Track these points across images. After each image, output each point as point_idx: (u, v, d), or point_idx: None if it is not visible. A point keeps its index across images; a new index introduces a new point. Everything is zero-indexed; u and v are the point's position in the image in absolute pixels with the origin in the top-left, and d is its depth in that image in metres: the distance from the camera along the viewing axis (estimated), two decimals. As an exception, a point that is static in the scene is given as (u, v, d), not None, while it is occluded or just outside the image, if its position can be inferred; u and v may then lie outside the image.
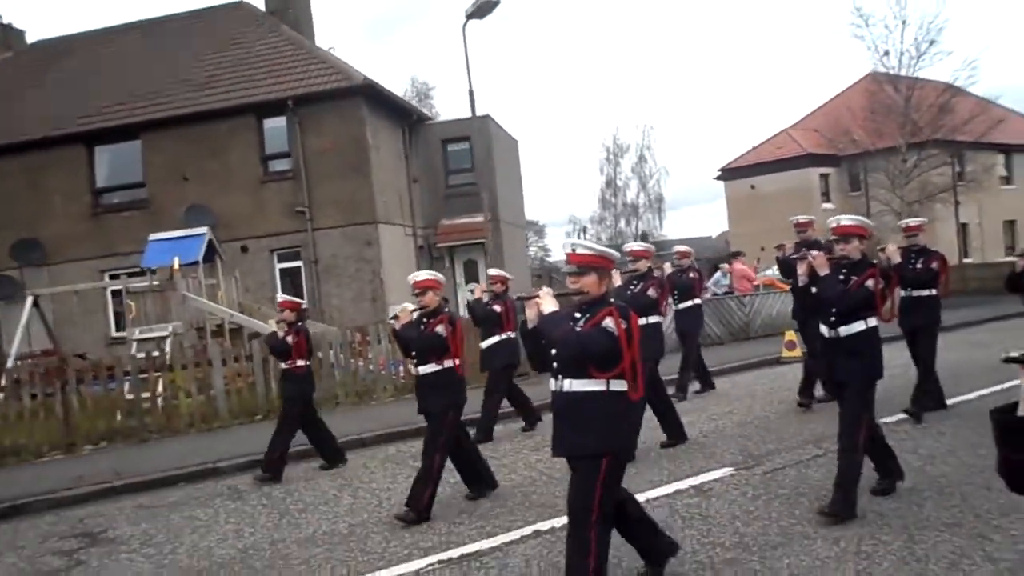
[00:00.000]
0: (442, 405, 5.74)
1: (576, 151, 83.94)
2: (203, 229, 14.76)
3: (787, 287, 12.12)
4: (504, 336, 8.63)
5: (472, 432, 8.32)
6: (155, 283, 13.33)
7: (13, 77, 22.95)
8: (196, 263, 13.98)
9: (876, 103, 25.08)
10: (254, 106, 18.96)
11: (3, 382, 10.46)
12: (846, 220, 5.24)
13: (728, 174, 36.17)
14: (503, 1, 17.00)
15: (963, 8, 52.62)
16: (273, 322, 8.63)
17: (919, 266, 7.41)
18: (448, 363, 5.80)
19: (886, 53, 24.53)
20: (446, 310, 5.94)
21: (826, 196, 33.08)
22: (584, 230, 54.49)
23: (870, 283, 4.99)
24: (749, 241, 27.98)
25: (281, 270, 19.23)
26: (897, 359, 7.11)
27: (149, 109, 19.67)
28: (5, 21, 24.79)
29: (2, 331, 17.78)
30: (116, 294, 18.44)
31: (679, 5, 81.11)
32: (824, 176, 33.26)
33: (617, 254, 4.16)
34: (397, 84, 52.25)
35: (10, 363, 12.43)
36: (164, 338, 12.68)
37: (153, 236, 14.69)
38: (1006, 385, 7.54)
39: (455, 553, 4.92)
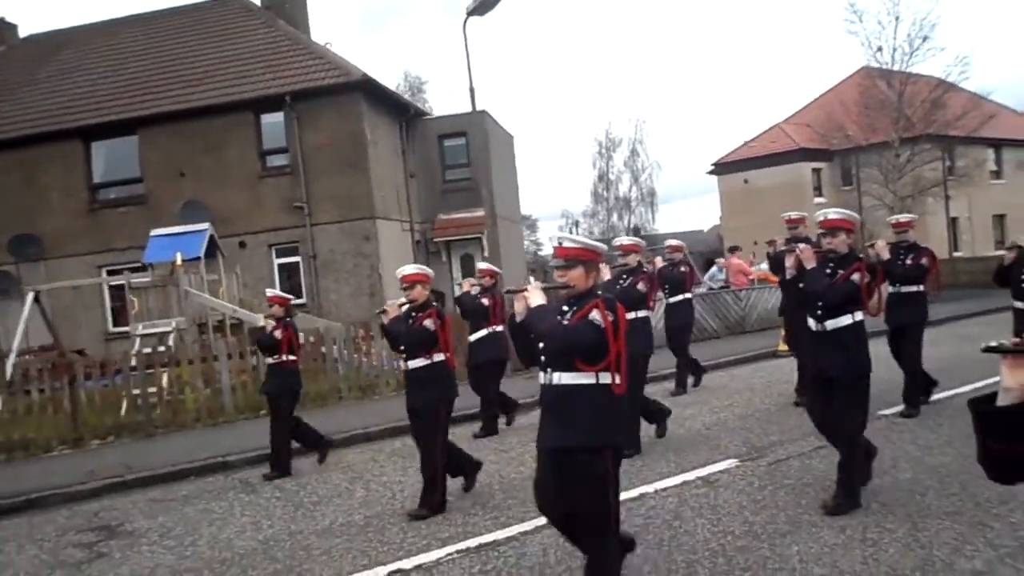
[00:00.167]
0: (432, 400, 5.74)
1: (569, 145, 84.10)
2: (204, 225, 14.80)
3: (777, 281, 12.24)
4: (491, 330, 8.59)
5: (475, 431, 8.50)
6: (158, 278, 13.41)
7: (6, 71, 22.84)
8: (198, 259, 14.03)
9: (869, 98, 25.33)
10: (251, 101, 19.00)
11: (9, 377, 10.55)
12: (833, 214, 5.28)
13: (721, 168, 36.38)
14: (501, -2, 17.09)
15: (955, 5, 53.01)
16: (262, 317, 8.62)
17: (908, 262, 7.46)
18: (438, 357, 5.79)
19: (879, 49, 24.85)
20: (434, 304, 5.93)
21: (819, 191, 33.38)
22: (577, 224, 54.76)
23: (856, 277, 5.05)
24: (742, 235, 28.17)
25: (279, 265, 19.29)
26: (883, 354, 7.23)
27: (146, 104, 19.65)
28: (-2, 15, 24.77)
29: (-1, 327, 17.79)
30: (113, 290, 18.49)
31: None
32: (817, 171, 33.53)
33: (605, 247, 4.16)
34: (390, 78, 52.22)
35: (11, 359, 12.50)
36: (167, 333, 12.78)
37: (154, 232, 14.72)
38: (998, 378, 7.67)
39: (472, 543, 5.04)
